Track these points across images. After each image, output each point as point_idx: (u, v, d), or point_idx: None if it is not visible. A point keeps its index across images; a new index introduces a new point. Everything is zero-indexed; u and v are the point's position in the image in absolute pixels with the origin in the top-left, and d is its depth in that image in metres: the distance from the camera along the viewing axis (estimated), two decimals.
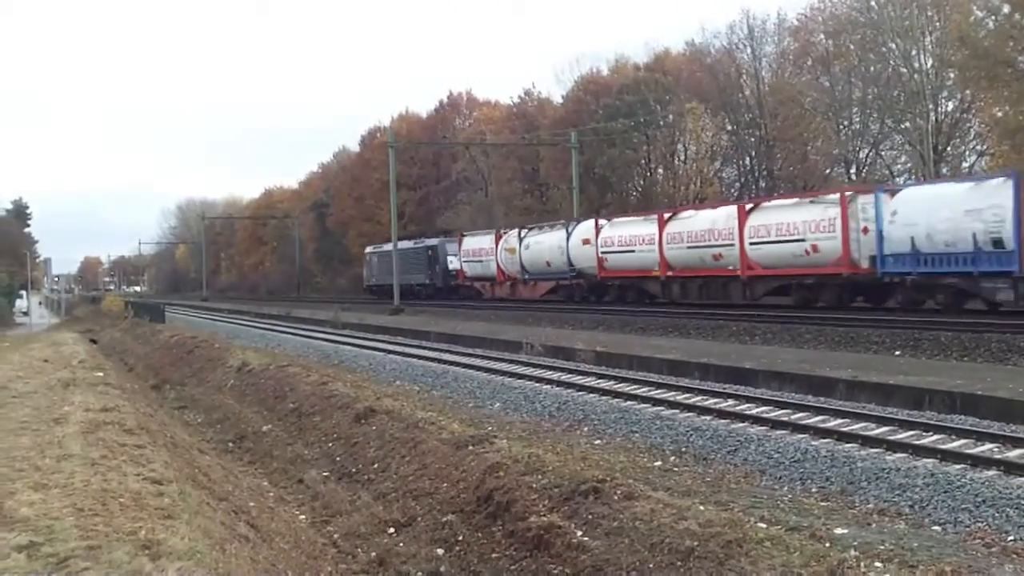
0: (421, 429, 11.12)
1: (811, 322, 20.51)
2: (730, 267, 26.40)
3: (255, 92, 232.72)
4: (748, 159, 45.75)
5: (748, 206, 26.77)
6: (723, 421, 11.68)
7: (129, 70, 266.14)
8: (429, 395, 15.96)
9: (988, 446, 9.43)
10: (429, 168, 65.48)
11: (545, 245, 36.42)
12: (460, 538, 8.05)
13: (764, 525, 6.70)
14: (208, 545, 5.84)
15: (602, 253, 32.32)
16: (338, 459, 11.76)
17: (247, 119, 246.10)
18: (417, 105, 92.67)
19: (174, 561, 5.17)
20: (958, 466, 8.77)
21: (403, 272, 45.92)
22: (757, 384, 14.07)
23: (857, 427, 10.64)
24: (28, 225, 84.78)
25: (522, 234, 38.34)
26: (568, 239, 34.61)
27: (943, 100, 36.19)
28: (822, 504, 8.02)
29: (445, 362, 20.23)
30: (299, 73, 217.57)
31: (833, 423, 10.95)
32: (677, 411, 12.57)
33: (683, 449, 10.63)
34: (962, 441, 9.67)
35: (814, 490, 8.63)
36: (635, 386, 14.81)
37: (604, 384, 15.24)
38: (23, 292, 72.21)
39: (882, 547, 6.12)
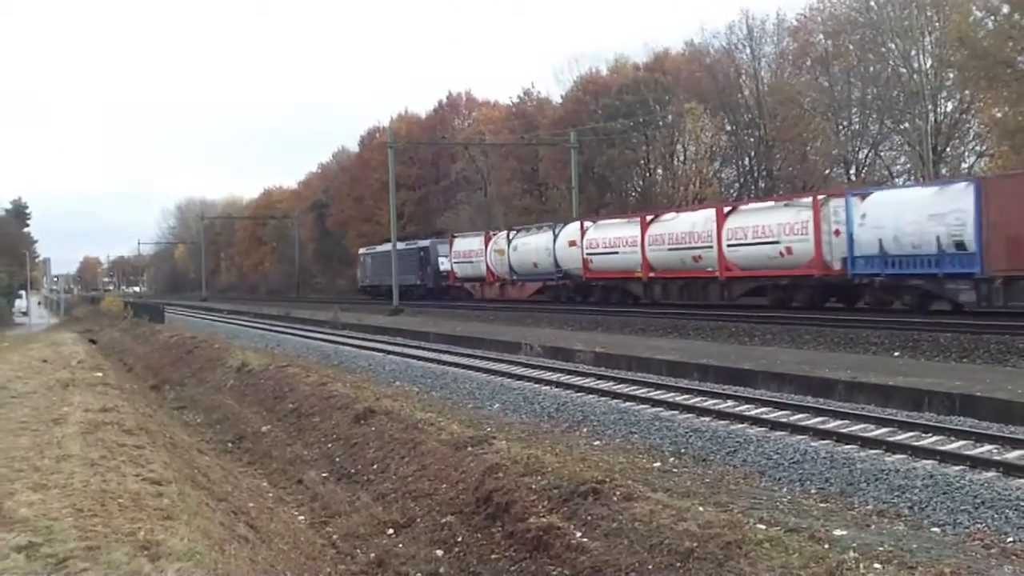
0: (420, 430, 11.12)
1: (810, 323, 20.52)
2: (709, 268, 27.00)
3: (255, 92, 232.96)
4: (747, 159, 45.76)
5: (726, 209, 27.34)
6: (722, 422, 11.68)
7: (129, 70, 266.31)
8: (428, 396, 15.96)
9: (987, 447, 9.43)
10: (428, 168, 65.49)
11: (532, 247, 37.11)
12: (459, 539, 8.05)
13: (763, 526, 6.70)
14: (207, 546, 5.84)
15: (587, 254, 32.94)
16: (337, 460, 11.76)
17: (247, 119, 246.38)
18: (416, 105, 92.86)
19: (173, 562, 5.17)
20: (957, 467, 8.77)
21: (397, 273, 46.21)
22: (756, 385, 14.06)
23: (856, 428, 10.65)
24: (27, 225, 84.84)
25: (510, 236, 39.01)
26: (555, 241, 35.24)
27: (942, 100, 36.25)
28: (821, 505, 8.01)
29: (444, 363, 20.22)
30: (299, 73, 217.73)
31: (832, 424, 10.95)
32: (676, 412, 12.56)
33: (682, 450, 10.63)
34: (961, 442, 9.67)
35: (813, 491, 8.63)
36: (634, 387, 14.81)
37: (603, 385, 15.24)
38: (22, 292, 72.21)
39: (881, 548, 6.11)
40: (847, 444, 10.00)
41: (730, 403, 12.79)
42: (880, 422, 10.82)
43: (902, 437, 10.04)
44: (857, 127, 40.24)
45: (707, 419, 11.93)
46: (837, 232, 22.71)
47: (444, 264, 45.57)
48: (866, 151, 40.39)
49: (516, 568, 7.26)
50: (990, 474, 8.50)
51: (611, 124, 45.10)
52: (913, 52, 35.68)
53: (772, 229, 24.60)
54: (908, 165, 38.18)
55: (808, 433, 10.63)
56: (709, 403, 12.91)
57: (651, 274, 29.83)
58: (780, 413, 11.85)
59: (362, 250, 58.44)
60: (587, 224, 33.94)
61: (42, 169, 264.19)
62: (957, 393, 11.41)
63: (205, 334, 32.42)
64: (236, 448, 13.89)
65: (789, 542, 6.18)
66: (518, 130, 53.74)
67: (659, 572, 6.25)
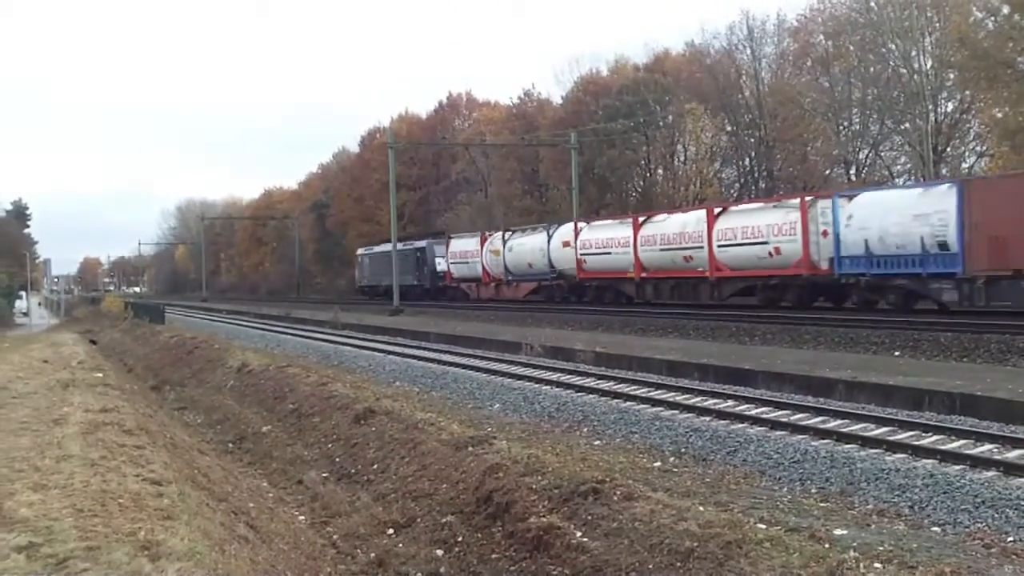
0: (421, 430, 11.12)
1: (811, 323, 20.55)
2: (700, 268, 27.38)
3: (255, 92, 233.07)
4: (748, 160, 45.76)
5: (716, 210, 27.68)
6: (723, 422, 11.67)
7: (129, 70, 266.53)
8: (429, 396, 15.95)
9: (987, 447, 9.42)
10: (429, 169, 65.51)
11: (527, 247, 37.59)
12: (459, 539, 8.05)
13: (763, 526, 6.69)
14: (207, 546, 5.85)
15: (581, 255, 33.38)
16: (337, 460, 11.76)
17: (247, 119, 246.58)
18: (417, 106, 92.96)
19: (173, 562, 5.18)
20: (958, 467, 8.77)
21: (392, 273, 46.54)
22: (757, 385, 14.06)
23: (857, 428, 10.64)
24: (28, 226, 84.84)
25: (506, 237, 39.46)
26: (549, 241, 35.74)
27: (943, 101, 36.24)
28: (821, 505, 8.01)
29: (444, 363, 20.21)
30: (299, 74, 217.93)
31: (833, 424, 10.95)
32: (677, 412, 12.55)
33: (682, 450, 10.62)
34: (962, 442, 9.67)
35: (813, 491, 8.62)
36: (635, 387, 14.80)
37: (604, 385, 15.23)
38: (23, 293, 72.24)
39: (881, 548, 6.11)
40: (847, 443, 9.99)
41: (730, 403, 12.78)
42: (880, 421, 10.82)
43: (902, 436, 10.04)
44: (857, 127, 40.25)
45: (707, 419, 11.93)
46: (825, 233, 23.12)
47: (441, 265, 45.91)
48: (866, 151, 40.41)
49: (516, 568, 7.26)
50: (990, 473, 8.50)
51: (611, 125, 45.11)
52: (913, 53, 35.70)
53: (761, 230, 24.98)
54: (908, 165, 38.18)
55: (808, 433, 10.62)
56: (709, 403, 12.90)
57: (643, 274, 30.22)
58: (780, 413, 11.85)
59: (360, 251, 58.70)
60: (581, 225, 34.36)
61: (43, 170, 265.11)
62: (957, 392, 11.40)
63: (205, 334, 32.42)
64: (236, 448, 13.90)
65: (789, 541, 6.18)
66: (518, 131, 53.76)
67: (659, 572, 6.25)
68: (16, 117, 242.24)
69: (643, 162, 48.42)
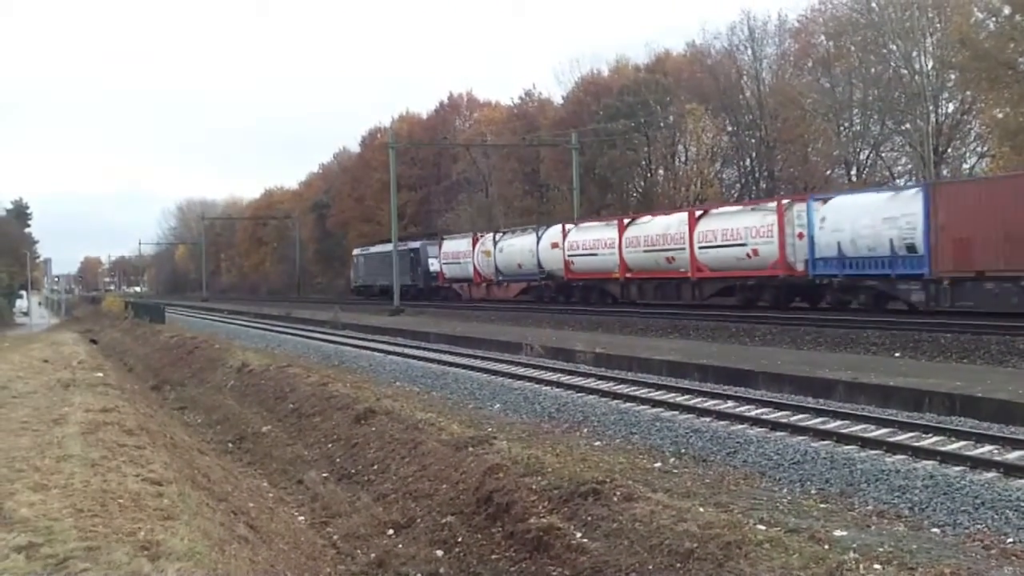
0: (421, 430, 11.13)
1: (811, 323, 20.57)
2: (682, 269, 28.20)
3: (256, 93, 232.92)
4: (749, 160, 45.75)
5: (698, 213, 28.49)
6: (723, 423, 11.67)
7: (130, 70, 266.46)
8: (429, 396, 15.95)
9: (988, 448, 9.42)
10: (429, 169, 65.50)
11: (517, 248, 38.29)
12: (460, 539, 8.06)
13: (763, 527, 6.69)
14: (207, 546, 5.85)
15: (568, 256, 34.18)
16: (338, 460, 11.77)
17: (248, 120, 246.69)
18: (417, 106, 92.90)
19: (173, 562, 5.18)
20: (958, 468, 8.77)
21: (387, 273, 47.84)
22: (757, 385, 14.06)
23: (857, 429, 10.64)
24: (28, 225, 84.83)
25: (496, 238, 40.16)
26: (538, 243, 36.44)
27: (944, 102, 36.22)
28: (821, 506, 8.01)
29: (445, 363, 20.21)
30: (299, 74, 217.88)
31: (833, 425, 10.94)
32: (677, 412, 12.55)
33: (683, 450, 10.62)
34: (962, 443, 9.67)
35: (813, 492, 8.62)
36: (635, 387, 14.80)
37: (604, 385, 15.23)
38: (23, 292, 72.30)
39: (881, 549, 6.11)
40: (847, 445, 9.99)
41: (730, 404, 12.78)
42: (880, 423, 10.82)
43: (902, 438, 10.04)
44: (858, 128, 40.24)
45: (707, 419, 11.92)
46: (800, 235, 23.77)
47: (434, 265, 46.59)
48: (867, 152, 40.40)
49: (516, 568, 7.26)
50: (990, 475, 8.50)
51: (612, 125, 45.12)
52: (914, 53, 35.67)
53: (740, 232, 25.71)
54: (909, 166, 38.16)
55: (808, 434, 10.62)
56: (709, 404, 12.90)
57: (628, 274, 30.98)
58: (780, 414, 11.85)
59: (356, 251, 59.31)
60: (568, 227, 35.14)
61: (43, 169, 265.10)
62: (958, 394, 11.40)
63: (206, 334, 32.44)
64: (236, 448, 13.91)
65: (789, 543, 6.18)
66: (519, 131, 53.77)
67: (659, 572, 6.26)
68: (17, 117, 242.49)
69: (644, 162, 48.41)
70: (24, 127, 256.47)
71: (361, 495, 10.02)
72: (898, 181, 37.25)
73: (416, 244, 48.54)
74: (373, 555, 8.13)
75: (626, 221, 31.61)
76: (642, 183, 49.57)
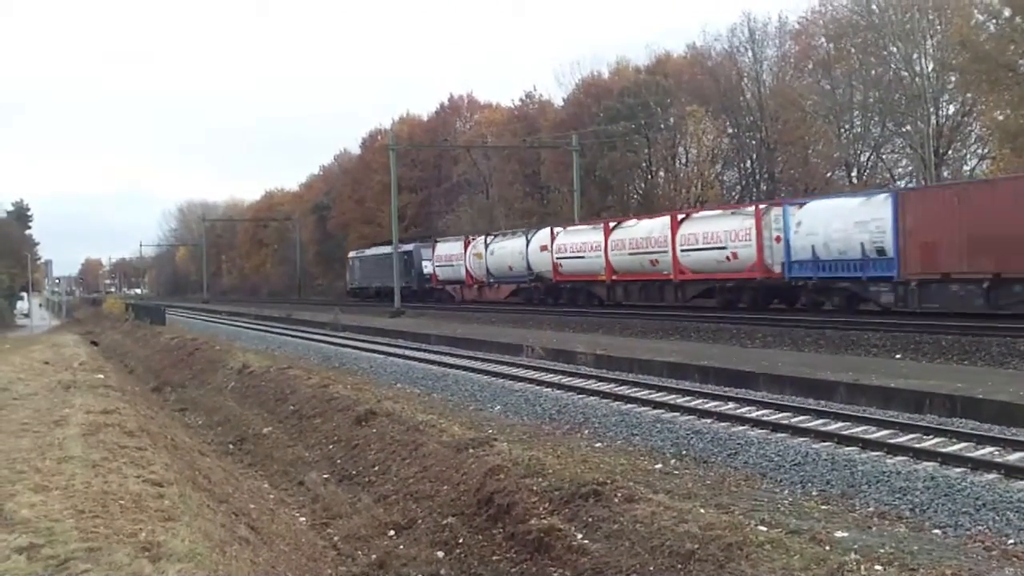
0: (421, 432, 11.13)
1: (811, 325, 20.57)
2: (665, 272, 28.86)
3: (256, 94, 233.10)
4: (749, 162, 45.75)
5: (680, 216, 29.07)
6: (724, 424, 11.67)
7: (130, 72, 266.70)
8: (430, 398, 15.95)
9: (988, 449, 9.42)
10: (430, 171, 65.49)
11: (508, 251, 39.01)
12: (460, 541, 8.06)
13: (764, 528, 6.69)
14: (208, 547, 5.85)
15: (557, 259, 34.89)
16: (338, 461, 11.77)
17: (248, 121, 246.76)
18: (418, 107, 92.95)
19: (174, 563, 5.18)
20: (959, 469, 8.76)
21: (382, 276, 48.76)
22: (758, 387, 14.05)
23: (858, 430, 10.63)
24: (29, 227, 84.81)
25: (488, 241, 40.69)
26: (528, 245, 37.15)
27: (944, 103, 36.20)
28: (823, 507, 8.01)
29: (445, 364, 20.20)
30: (299, 74, 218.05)
31: (834, 426, 10.94)
32: (678, 414, 12.55)
33: (684, 452, 10.62)
34: (962, 444, 9.66)
35: (815, 493, 8.62)
36: (636, 389, 14.80)
37: (605, 387, 15.23)
38: (24, 294, 72.32)
39: (882, 550, 6.11)
40: (848, 446, 9.98)
41: (731, 405, 12.77)
42: (881, 424, 10.81)
43: (903, 439, 10.03)
44: (859, 130, 40.22)
45: (708, 421, 11.92)
46: (778, 238, 24.27)
47: (427, 267, 47.21)
48: (868, 154, 40.38)
49: (517, 570, 7.27)
50: (991, 476, 8.49)
51: (613, 127, 45.12)
52: (915, 55, 35.67)
53: (720, 236, 26.35)
54: (910, 168, 38.13)
55: (809, 435, 10.62)
56: (710, 405, 12.89)
57: (614, 277, 31.68)
58: (781, 415, 11.84)
59: (351, 253, 59.92)
60: (556, 230, 35.93)
61: (44, 171, 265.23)
62: (958, 395, 11.39)
63: (206, 336, 32.47)
64: (237, 450, 13.92)
65: (790, 544, 6.18)
66: (520, 133, 53.77)
67: (660, 574, 6.25)
68: (18, 118, 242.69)
69: (644, 164, 48.40)
70: (25, 128, 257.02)
71: (362, 496, 10.03)
72: (899, 183, 37.26)
73: (410, 247, 48.88)
74: (374, 556, 8.13)
75: (611, 225, 32.34)
76: (643, 185, 49.55)
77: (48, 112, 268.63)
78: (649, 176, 49.11)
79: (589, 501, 7.55)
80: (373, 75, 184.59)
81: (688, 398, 13.61)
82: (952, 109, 36.44)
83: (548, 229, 36.30)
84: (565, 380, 16.36)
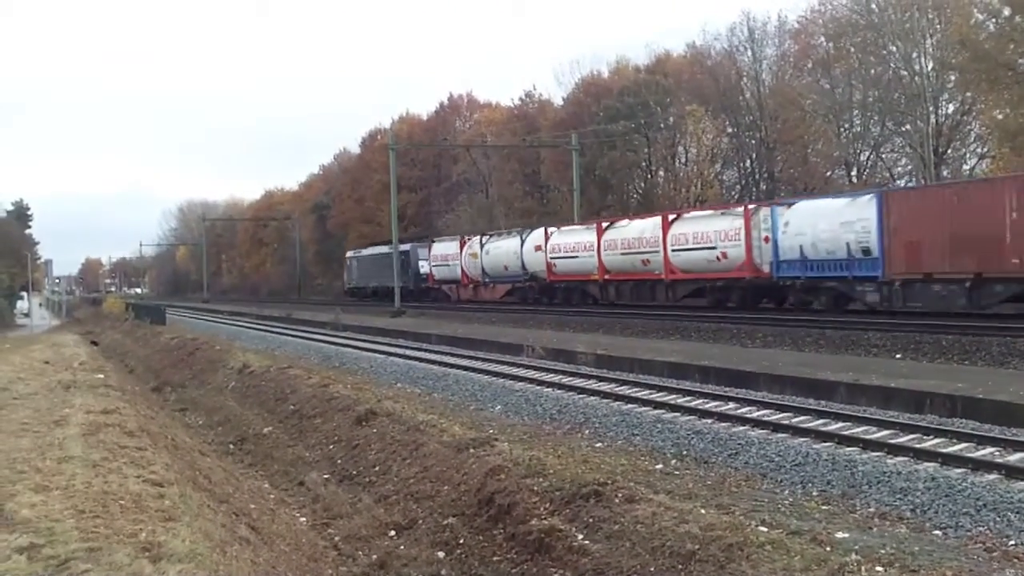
0: (422, 432, 11.13)
1: (812, 325, 20.58)
2: (656, 271, 29.27)
3: (256, 93, 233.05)
4: (749, 161, 45.75)
5: (671, 217, 29.50)
6: (724, 424, 11.67)
7: (130, 72, 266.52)
8: (430, 397, 15.95)
9: (989, 450, 9.42)
10: (430, 170, 65.49)
11: (503, 251, 39.45)
12: (461, 541, 8.06)
13: (765, 529, 6.69)
14: (209, 547, 5.85)
15: (551, 258, 35.42)
16: (339, 461, 11.77)
17: (248, 120, 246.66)
18: (418, 107, 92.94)
19: (175, 563, 5.18)
20: (959, 470, 8.76)
21: (379, 275, 49.29)
22: (758, 387, 14.05)
23: (858, 431, 10.63)
24: (29, 227, 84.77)
25: (483, 241, 41.19)
26: (522, 246, 37.62)
27: (944, 103, 36.19)
28: (823, 508, 8.01)
29: (446, 364, 20.20)
30: (299, 74, 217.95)
31: (834, 426, 10.94)
32: (678, 414, 12.55)
33: (684, 452, 10.62)
34: (963, 445, 9.66)
35: (815, 494, 8.62)
36: (636, 389, 14.80)
37: (605, 387, 15.23)
38: (24, 294, 72.30)
39: (883, 551, 6.11)
40: (849, 446, 9.98)
41: (732, 405, 12.78)
42: (882, 424, 10.81)
43: (904, 439, 10.03)
44: (858, 129, 40.21)
45: (709, 421, 11.92)
46: (766, 239, 24.58)
47: (424, 267, 47.59)
48: (867, 153, 40.38)
49: (518, 570, 7.26)
50: (992, 477, 8.49)
51: (612, 126, 45.13)
52: (914, 54, 35.67)
53: (710, 236, 26.73)
54: (909, 167, 38.13)
55: (810, 435, 10.62)
56: (711, 405, 12.90)
57: (606, 276, 32.11)
58: (782, 415, 11.84)
59: (349, 253, 60.29)
60: (551, 230, 36.40)
61: (44, 171, 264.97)
62: (959, 395, 11.39)
63: (206, 336, 32.46)
64: (238, 450, 13.91)
65: (791, 544, 6.18)
66: (519, 132, 53.76)
67: (661, 574, 6.25)
68: (18, 118, 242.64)
69: (644, 163, 48.41)
70: (24, 128, 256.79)
71: (362, 496, 10.02)
72: (898, 182, 37.30)
73: (406, 247, 49.10)
74: (375, 556, 8.13)
75: (604, 225, 32.74)
76: (642, 184, 49.56)
77: (48, 112, 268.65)
78: (649, 175, 49.12)
79: (590, 501, 7.55)
80: (373, 75, 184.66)
81: (689, 398, 13.62)
82: (951, 108, 36.46)
83: (542, 229, 36.82)
84: (566, 380, 16.37)
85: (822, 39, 40.94)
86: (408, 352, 23.45)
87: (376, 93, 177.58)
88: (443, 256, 45.18)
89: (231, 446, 14.19)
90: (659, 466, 9.90)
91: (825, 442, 10.26)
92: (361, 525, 9.00)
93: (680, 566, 6.20)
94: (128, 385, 18.92)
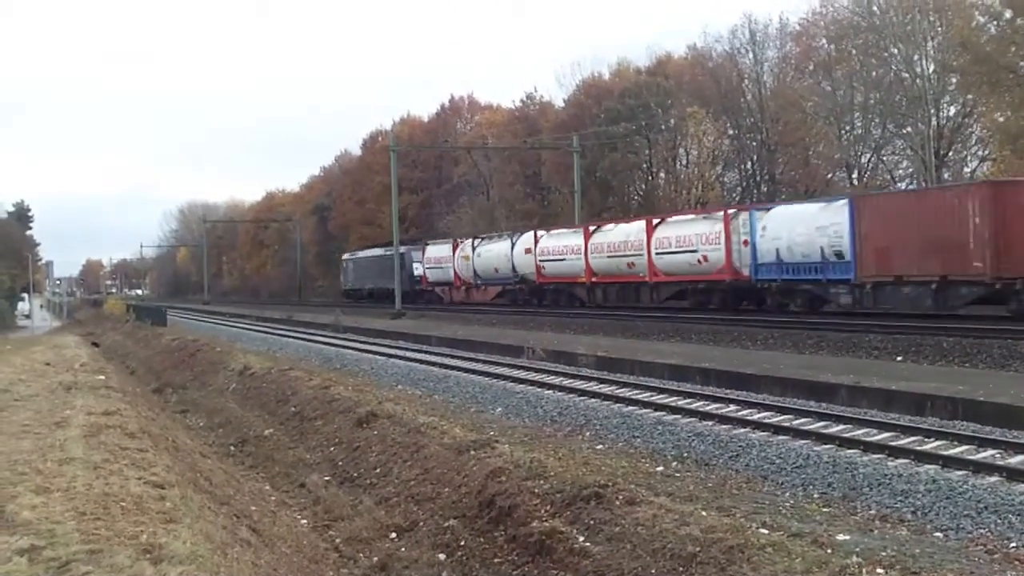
0: (423, 434, 11.13)
1: (812, 327, 20.58)
2: (641, 274, 30.04)
3: (256, 94, 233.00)
4: (750, 163, 45.72)
5: (655, 221, 30.26)
6: (725, 426, 11.66)
7: (131, 72, 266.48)
8: (431, 399, 15.95)
9: (990, 452, 9.41)
10: (431, 172, 65.49)
11: (494, 253, 40.18)
12: (462, 543, 8.06)
13: (766, 531, 6.69)
14: (209, 549, 5.85)
15: (540, 261, 36.14)
16: (340, 463, 11.77)
17: (249, 121, 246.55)
18: (419, 108, 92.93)
19: (175, 565, 5.18)
20: (960, 472, 8.76)
21: (375, 277, 49.74)
22: (759, 389, 14.05)
23: (859, 433, 10.63)
24: (30, 228, 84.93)
25: (475, 243, 41.91)
26: (512, 248, 38.38)
27: (945, 105, 36.15)
28: (824, 510, 8.01)
29: (447, 366, 20.20)
30: (299, 74, 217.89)
31: (835, 429, 10.94)
32: (679, 416, 12.55)
33: (685, 454, 10.62)
34: (964, 447, 9.67)
35: (816, 496, 8.62)
36: (637, 391, 14.79)
37: (606, 389, 15.23)
38: (25, 295, 72.35)
39: (884, 553, 6.11)
40: (850, 448, 9.98)
41: (732, 407, 12.78)
42: (883, 427, 10.81)
43: (905, 442, 10.04)
44: (859, 131, 40.17)
45: (709, 423, 11.92)
46: (745, 242, 25.24)
47: (418, 269, 48.10)
48: (868, 155, 40.34)
49: (519, 572, 7.26)
50: (993, 479, 8.49)
51: (613, 128, 45.12)
52: (916, 57, 35.64)
53: (692, 239, 27.50)
54: (911, 169, 38.09)
55: (811, 438, 10.62)
56: (711, 407, 12.90)
57: (594, 279, 32.89)
58: (783, 417, 11.84)
59: (345, 256, 60.71)
60: (540, 233, 37.18)
61: (45, 172, 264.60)
62: (960, 398, 11.39)
63: (207, 337, 32.48)
64: (238, 451, 13.91)
65: (792, 547, 6.17)
66: (520, 134, 53.76)
67: None
68: (18, 118, 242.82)
69: (645, 165, 48.40)
70: (25, 128, 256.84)
71: (363, 498, 10.02)
72: (899, 185, 37.29)
73: (402, 249, 49.24)
74: (375, 559, 8.13)
75: (591, 228, 33.48)
76: (643, 186, 49.54)
77: (48, 112, 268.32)
78: (650, 177, 49.11)
79: (591, 503, 7.55)
80: (373, 75, 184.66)
81: (689, 400, 13.62)
82: (953, 111, 36.43)
83: (532, 232, 37.68)
84: (566, 382, 16.37)
85: (823, 41, 40.94)
86: (409, 354, 23.46)
87: (376, 94, 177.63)
88: (436, 259, 45.87)
89: (232, 448, 14.19)
90: (660, 468, 9.90)
91: (826, 444, 10.26)
92: (362, 527, 9.00)
93: (681, 568, 6.20)
94: (129, 387, 18.93)
